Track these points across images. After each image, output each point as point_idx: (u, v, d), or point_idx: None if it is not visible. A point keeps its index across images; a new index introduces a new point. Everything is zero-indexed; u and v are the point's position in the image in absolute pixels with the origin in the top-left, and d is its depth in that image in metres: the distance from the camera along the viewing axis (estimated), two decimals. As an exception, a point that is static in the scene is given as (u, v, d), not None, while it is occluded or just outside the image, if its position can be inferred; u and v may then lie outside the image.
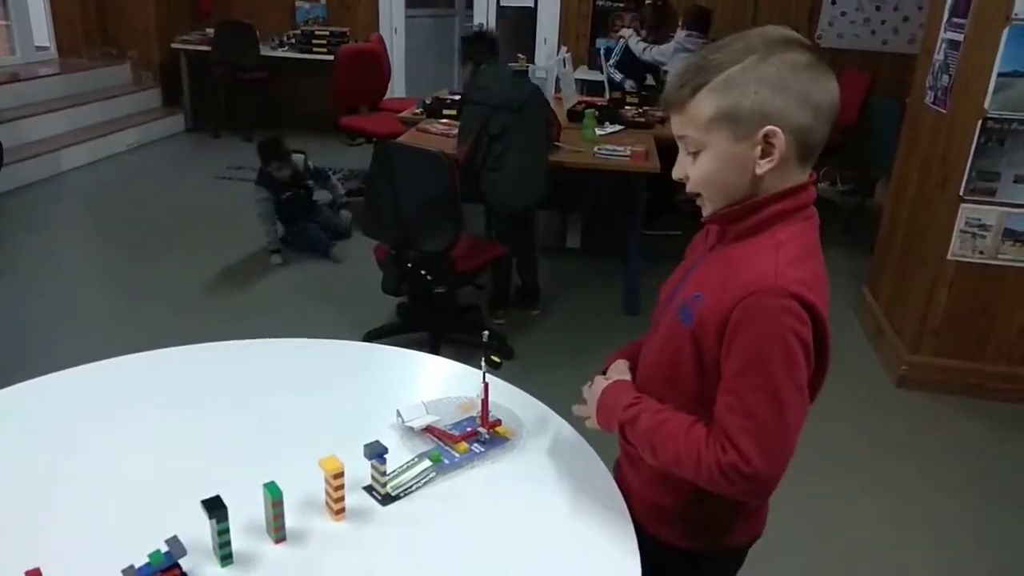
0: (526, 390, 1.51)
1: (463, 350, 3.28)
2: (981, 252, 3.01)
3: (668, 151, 4.20)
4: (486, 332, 1.32)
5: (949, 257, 3.03)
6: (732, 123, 1.00)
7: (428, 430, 1.35)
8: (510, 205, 3.40)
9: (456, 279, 3.06)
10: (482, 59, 3.35)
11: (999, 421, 3.03)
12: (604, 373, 1.26)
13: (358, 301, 3.73)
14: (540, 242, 4.12)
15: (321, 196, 4.49)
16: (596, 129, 4.00)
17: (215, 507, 1.04)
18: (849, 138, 5.21)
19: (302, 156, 4.29)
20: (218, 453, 1.30)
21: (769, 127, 0.99)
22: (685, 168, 1.07)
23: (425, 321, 3.28)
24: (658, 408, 1.11)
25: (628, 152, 3.60)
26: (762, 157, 1.01)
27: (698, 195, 1.09)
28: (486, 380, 1.34)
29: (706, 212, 1.10)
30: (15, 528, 1.12)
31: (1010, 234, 2.96)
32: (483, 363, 1.34)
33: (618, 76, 5.05)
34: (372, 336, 3.22)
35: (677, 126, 1.06)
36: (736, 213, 1.06)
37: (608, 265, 4.22)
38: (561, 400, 1.51)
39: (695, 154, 1.05)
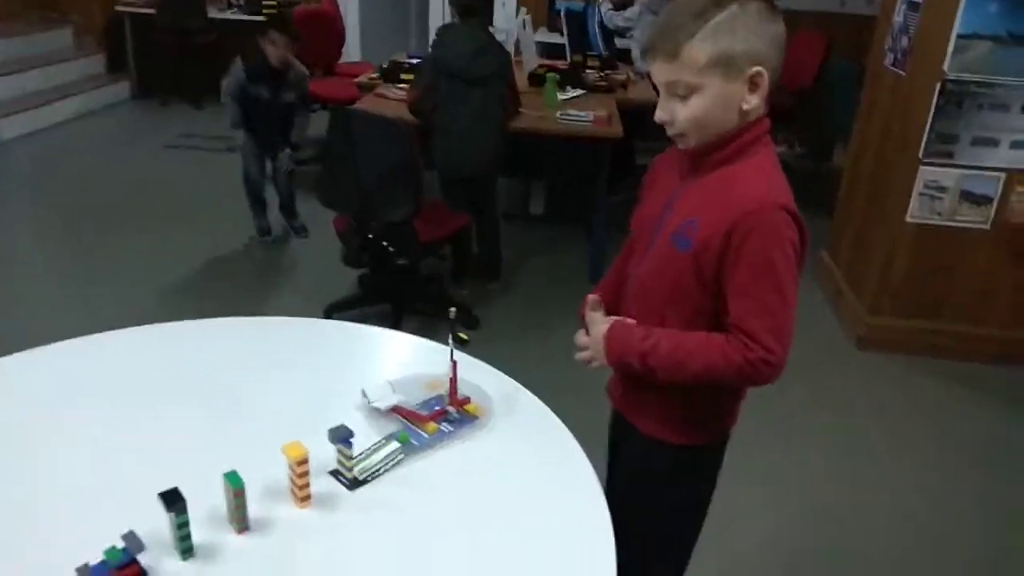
0: (491, 362, 1.47)
1: (427, 322, 3.24)
2: (939, 214, 3.04)
3: (631, 115, 4.18)
4: (453, 309, 1.28)
5: (908, 219, 3.06)
6: (725, 66, 1.12)
7: (395, 410, 1.32)
8: (454, 171, 3.33)
9: (419, 250, 3.00)
10: (466, 9, 3.21)
11: (957, 380, 3.10)
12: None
13: (318, 273, 3.65)
14: (503, 209, 4.07)
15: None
16: (558, 94, 3.93)
17: (173, 500, 0.99)
18: (805, 101, 5.22)
19: (305, 74, 3.86)
20: (174, 441, 1.25)
21: (757, 68, 1.13)
22: (671, 111, 1.17)
23: (387, 293, 3.22)
24: (671, 331, 1.21)
25: (591, 117, 3.55)
26: (749, 93, 1.14)
27: (680, 135, 1.18)
28: (454, 358, 1.30)
29: (689, 145, 1.19)
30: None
31: (967, 196, 3.00)
32: (451, 340, 1.30)
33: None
34: (333, 309, 3.16)
35: (667, 72, 1.15)
36: (718, 142, 1.17)
37: (573, 232, 4.19)
38: (528, 371, 1.48)
39: (684, 97, 1.15)
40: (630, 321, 1.26)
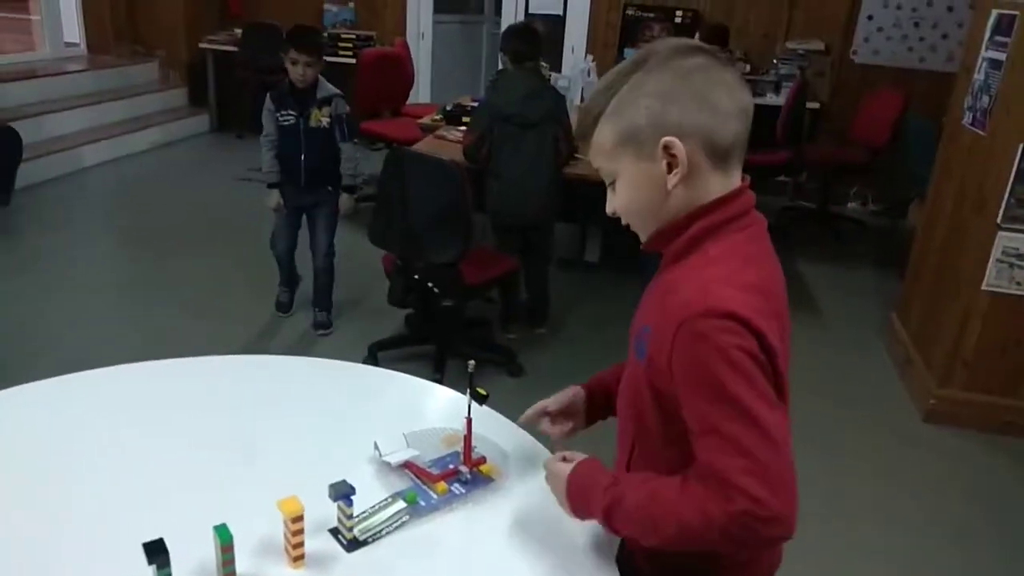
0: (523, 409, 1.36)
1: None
2: (1018, 283, 2.84)
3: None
4: (472, 362, 1.22)
5: (984, 287, 2.87)
6: (633, 144, 0.97)
7: (407, 466, 1.25)
8: (508, 217, 3.30)
9: (464, 292, 2.96)
10: (517, 55, 3.23)
11: (1033, 463, 2.86)
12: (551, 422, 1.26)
13: (367, 310, 3.65)
14: (558, 256, 4.02)
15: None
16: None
17: (156, 551, 0.94)
18: (880, 158, 5.04)
19: (341, 97, 3.30)
20: (169, 485, 1.21)
21: (666, 138, 0.95)
22: (611, 202, 1.05)
23: (432, 334, 3.19)
24: (640, 479, 0.99)
25: (649, 166, 3.47)
26: (669, 172, 0.96)
27: (629, 227, 1.06)
28: (470, 415, 1.23)
29: (642, 241, 1.06)
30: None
31: (1050, 265, 2.80)
32: (468, 395, 1.23)
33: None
34: (378, 347, 3.14)
35: (591, 158, 1.04)
36: (664, 235, 1.01)
37: (626, 280, 4.09)
38: None
39: (612, 184, 1.03)
40: (594, 462, 1.06)
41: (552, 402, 1.26)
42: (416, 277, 2.85)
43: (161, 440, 1.32)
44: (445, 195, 2.76)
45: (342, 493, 1.08)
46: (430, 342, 3.18)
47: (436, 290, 2.84)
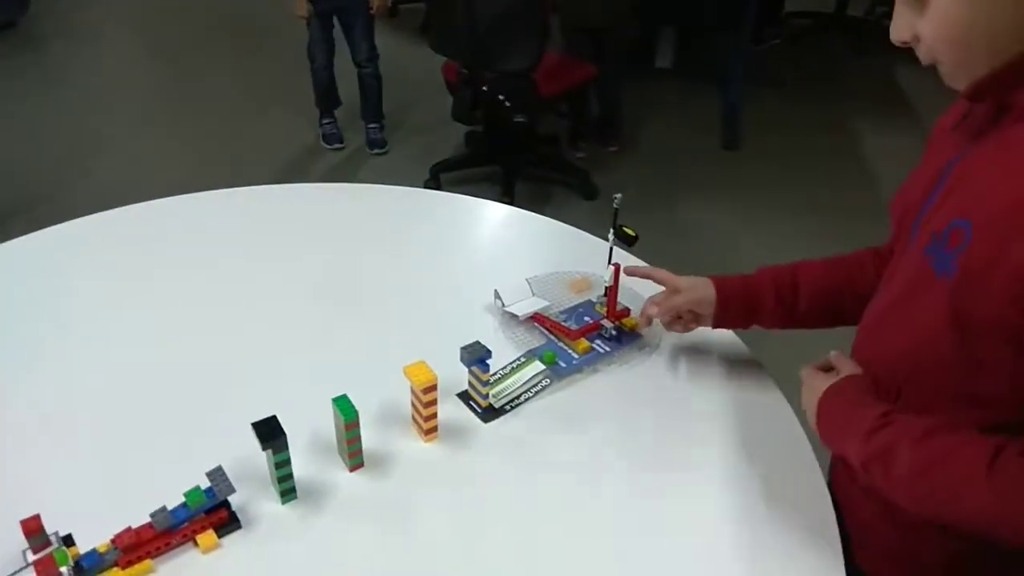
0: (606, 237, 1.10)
1: (541, 189, 2.94)
2: None
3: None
4: (618, 196, 0.98)
5: None
6: None
7: (535, 318, 1.06)
8: (579, 18, 2.89)
9: (538, 105, 2.65)
10: None
11: None
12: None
13: (419, 128, 3.36)
14: (624, 62, 3.61)
15: None
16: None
17: (270, 434, 0.77)
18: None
19: None
20: (266, 343, 1.04)
21: None
22: (909, 23, 0.69)
23: (498, 154, 2.91)
24: (923, 429, 0.69)
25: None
26: None
27: (937, 64, 0.70)
28: (614, 261, 1.01)
29: (955, 83, 0.70)
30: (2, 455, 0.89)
31: None
32: (611, 235, 1.01)
33: None
34: (438, 169, 2.90)
35: None
36: (1006, 76, 0.65)
37: (704, 88, 3.69)
38: (653, 249, 1.18)
39: (921, 2, 0.67)
40: (862, 383, 0.78)
41: (683, 300, 0.96)
42: (485, 89, 2.53)
43: (240, 287, 1.14)
44: (516, -8, 2.38)
45: (477, 357, 0.89)
46: (496, 163, 2.91)
47: (507, 103, 2.53)
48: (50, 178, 2.92)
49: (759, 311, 0.94)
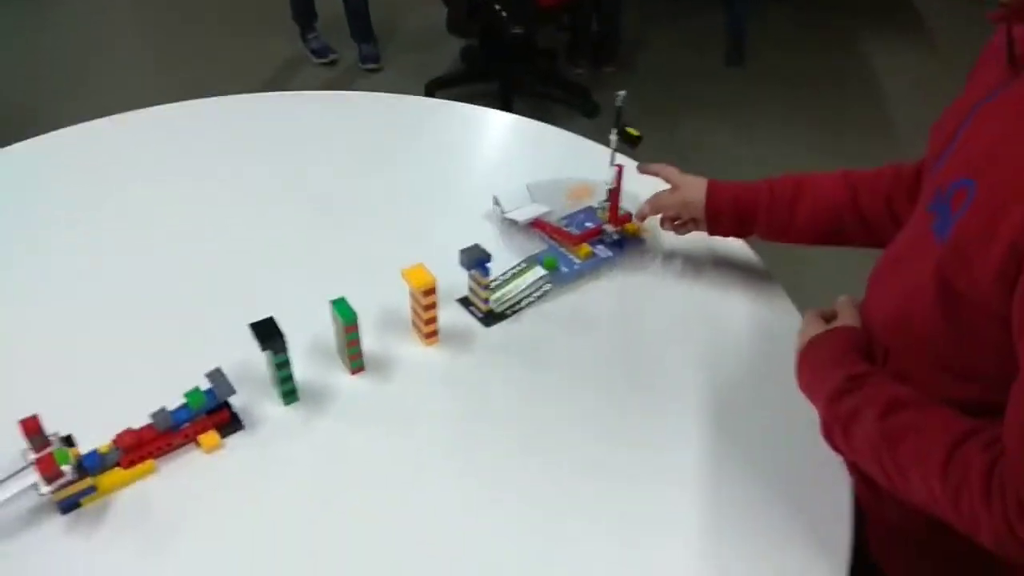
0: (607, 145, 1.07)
1: (539, 104, 2.87)
2: None
3: None
4: (622, 93, 0.94)
5: None
6: None
7: (535, 224, 1.04)
8: None
9: (537, 16, 2.56)
10: None
11: None
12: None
13: (412, 42, 3.25)
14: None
15: None
16: None
17: (269, 335, 0.76)
18: None
19: None
20: (264, 248, 1.02)
21: None
22: None
23: (496, 69, 2.83)
24: (887, 402, 0.65)
25: None
26: None
27: None
28: (616, 161, 0.98)
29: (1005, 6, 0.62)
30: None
31: None
32: (613, 135, 0.98)
33: None
34: (435, 86, 2.82)
35: None
36: None
37: (705, 7, 3.58)
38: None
39: None
40: (851, 333, 0.74)
41: (672, 200, 0.94)
42: (480, -1, 2.45)
43: (237, 193, 1.12)
44: None
45: (477, 260, 0.87)
46: (493, 78, 2.83)
47: (504, 14, 2.44)
48: (43, 90, 2.85)
49: (752, 222, 0.91)
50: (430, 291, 0.84)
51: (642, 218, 0.98)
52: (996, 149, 0.60)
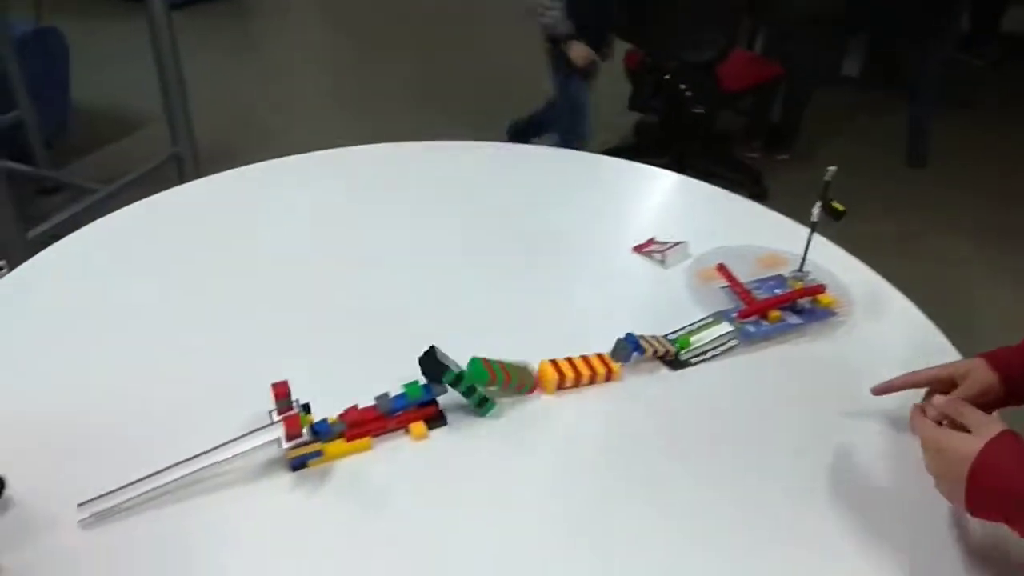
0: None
1: (707, 182, 2.90)
2: None
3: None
4: (832, 168, 0.98)
5: None
6: None
7: (725, 275, 1.08)
8: (789, 13, 2.83)
9: (719, 98, 2.64)
10: None
11: None
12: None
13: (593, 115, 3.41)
14: (818, 67, 3.50)
15: None
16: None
17: (432, 366, 0.83)
18: None
19: None
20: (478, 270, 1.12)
21: None
22: None
23: (668, 145, 2.91)
24: None
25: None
26: None
27: None
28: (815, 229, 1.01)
29: None
30: (260, 330, 1.01)
31: None
32: (816, 209, 1.01)
33: None
34: (607, 155, 2.93)
35: None
36: None
37: (892, 104, 3.53)
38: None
39: None
40: (1013, 441, 0.66)
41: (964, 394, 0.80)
42: (667, 78, 2.55)
43: (439, 231, 1.23)
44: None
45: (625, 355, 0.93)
46: (664, 154, 2.91)
47: (689, 93, 2.53)
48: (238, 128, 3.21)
49: None
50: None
51: (886, 391, 0.88)
52: None
